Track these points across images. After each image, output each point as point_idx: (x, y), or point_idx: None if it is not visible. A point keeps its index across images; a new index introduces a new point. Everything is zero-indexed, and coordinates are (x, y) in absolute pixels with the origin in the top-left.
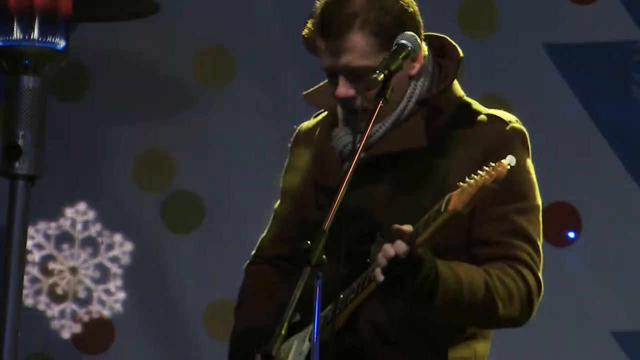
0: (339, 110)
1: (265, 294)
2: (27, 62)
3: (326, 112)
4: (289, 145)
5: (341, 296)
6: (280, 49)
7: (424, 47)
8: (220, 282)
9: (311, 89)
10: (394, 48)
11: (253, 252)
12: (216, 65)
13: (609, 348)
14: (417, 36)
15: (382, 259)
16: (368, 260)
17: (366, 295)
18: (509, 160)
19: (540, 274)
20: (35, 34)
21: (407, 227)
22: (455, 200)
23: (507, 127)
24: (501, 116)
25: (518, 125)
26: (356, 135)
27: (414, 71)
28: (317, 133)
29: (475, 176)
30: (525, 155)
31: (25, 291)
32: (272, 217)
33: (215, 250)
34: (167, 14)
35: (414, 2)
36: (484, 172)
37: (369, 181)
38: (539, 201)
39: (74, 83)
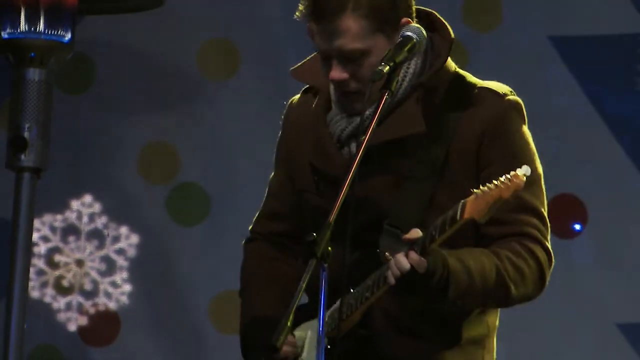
0: (332, 91)
1: (270, 275)
2: (32, 54)
3: (315, 90)
4: (282, 119)
5: (352, 290)
6: (285, 41)
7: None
8: (225, 274)
9: (298, 65)
10: (399, 40)
11: (250, 227)
12: (221, 58)
13: (614, 340)
14: (422, 28)
15: (395, 270)
16: (378, 250)
17: (382, 293)
18: (524, 171)
19: (549, 245)
20: (41, 27)
21: (417, 233)
22: (471, 208)
23: (503, 101)
24: (496, 88)
25: (513, 96)
26: (351, 118)
27: None
28: (311, 115)
29: (489, 185)
30: (522, 125)
31: (31, 283)
32: (267, 190)
33: (220, 242)
34: (172, 6)
35: None
36: (500, 182)
37: (371, 170)
38: (540, 169)
39: (79, 76)
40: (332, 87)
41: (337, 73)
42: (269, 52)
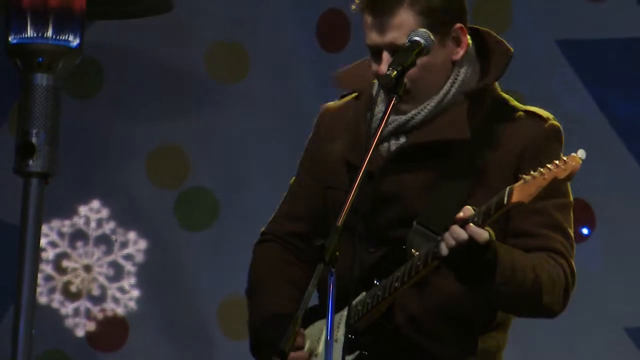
0: (376, 88)
1: (286, 276)
2: (40, 59)
3: (354, 95)
4: (314, 123)
5: (376, 282)
6: (295, 44)
7: (468, 36)
8: (234, 279)
9: (342, 70)
10: (406, 45)
11: (262, 229)
12: (230, 62)
13: (623, 344)
14: (430, 33)
15: (451, 240)
16: (404, 247)
17: (412, 283)
18: (581, 154)
19: (574, 266)
20: (49, 32)
21: (469, 211)
22: (519, 193)
23: (546, 125)
24: (539, 113)
25: (555, 122)
26: (394, 115)
27: (457, 56)
28: (350, 115)
29: (541, 169)
30: (560, 152)
31: (39, 289)
32: (287, 194)
33: (229, 247)
34: (180, 10)
35: None
36: (554, 164)
37: (407, 168)
38: (572, 198)
39: (88, 80)
40: (377, 83)
41: (384, 68)
42: (278, 55)
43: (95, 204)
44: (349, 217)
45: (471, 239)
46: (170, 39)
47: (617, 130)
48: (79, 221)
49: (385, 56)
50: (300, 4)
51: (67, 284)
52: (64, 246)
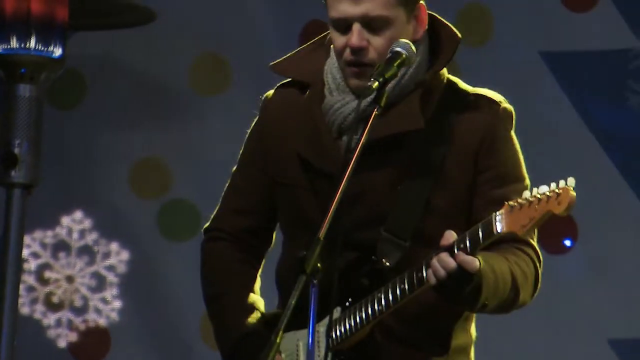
0: (329, 80)
1: (239, 282)
2: (23, 70)
3: (295, 84)
4: (257, 114)
5: (352, 303)
6: (277, 56)
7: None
8: None
9: (279, 60)
10: (388, 55)
11: (206, 225)
12: (212, 73)
13: (606, 356)
14: (411, 43)
15: (441, 270)
16: (373, 257)
17: (403, 303)
18: (571, 183)
19: (538, 249)
20: (32, 43)
21: (452, 237)
22: (510, 221)
23: (500, 108)
24: (491, 96)
25: (507, 104)
26: (354, 104)
27: (418, 35)
28: (301, 107)
29: (529, 197)
30: (514, 135)
31: (21, 300)
32: (229, 187)
33: None
34: (163, 22)
35: None
36: (544, 195)
37: (369, 166)
38: (527, 181)
39: (70, 91)
40: (329, 75)
41: (358, 40)
42: (260, 66)
43: (78, 214)
44: (310, 223)
45: (460, 268)
46: (153, 50)
47: (599, 141)
48: (62, 232)
49: (356, 27)
50: (283, 15)
51: (49, 294)
52: (46, 257)
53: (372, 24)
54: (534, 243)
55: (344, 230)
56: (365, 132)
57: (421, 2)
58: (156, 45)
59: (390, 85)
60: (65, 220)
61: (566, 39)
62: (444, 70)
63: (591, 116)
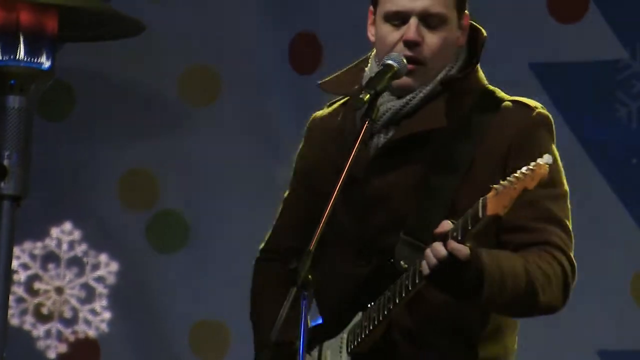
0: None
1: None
2: (12, 82)
3: (343, 100)
4: (303, 133)
5: (370, 305)
6: (266, 68)
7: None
8: (205, 302)
9: (327, 78)
10: (380, 69)
11: (261, 245)
12: (201, 85)
13: None
14: (402, 56)
15: (432, 259)
16: (391, 260)
17: (407, 300)
18: (546, 159)
19: (573, 257)
20: (21, 54)
21: (448, 225)
22: (494, 204)
23: (534, 113)
24: (526, 102)
25: (544, 111)
26: (391, 103)
27: (460, 42)
28: (339, 120)
29: (510, 178)
30: (551, 141)
31: (10, 311)
32: (281, 207)
33: (200, 270)
34: (152, 33)
35: None
36: (522, 174)
37: (392, 168)
38: (567, 187)
39: (59, 103)
40: (366, 79)
41: (415, 34)
42: (249, 77)
43: (67, 226)
44: (336, 228)
45: (451, 256)
46: (142, 62)
47: (588, 152)
48: (51, 243)
49: (414, 21)
50: (272, 26)
51: (38, 306)
52: (35, 268)
53: (430, 21)
54: (568, 250)
55: (365, 238)
56: (357, 143)
57: (466, 12)
58: (145, 56)
59: (436, 80)
60: (55, 231)
61: (555, 50)
62: (482, 80)
63: (580, 127)
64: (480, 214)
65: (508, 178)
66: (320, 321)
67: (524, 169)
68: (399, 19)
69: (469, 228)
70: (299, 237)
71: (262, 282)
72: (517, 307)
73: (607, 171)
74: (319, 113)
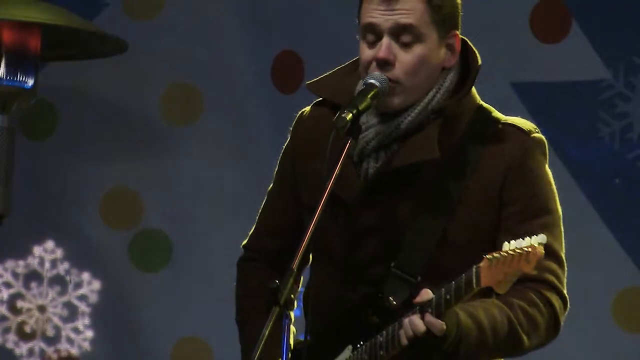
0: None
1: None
2: None
3: (326, 106)
4: (289, 131)
5: (360, 345)
6: (249, 85)
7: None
8: (187, 320)
9: (315, 79)
10: (362, 88)
11: (244, 243)
12: (184, 104)
13: None
14: (385, 76)
15: (409, 332)
16: (380, 295)
17: (396, 353)
18: (541, 239)
19: (565, 290)
20: (3, 73)
21: (428, 295)
22: (487, 276)
23: (529, 138)
24: (521, 126)
25: (538, 135)
26: (380, 127)
27: (449, 64)
28: (329, 130)
29: (503, 252)
30: (545, 165)
31: None
32: (265, 204)
33: (182, 288)
34: (135, 52)
35: None
36: (517, 253)
37: (385, 198)
38: (560, 211)
39: (42, 121)
40: (360, 85)
41: (387, 52)
42: (232, 97)
43: (50, 244)
44: (325, 250)
45: (429, 331)
46: (125, 81)
47: (570, 172)
48: (34, 262)
49: (386, 40)
50: (255, 45)
51: (21, 324)
52: (18, 286)
53: (402, 37)
54: (560, 286)
55: (354, 266)
56: (339, 165)
57: (455, 31)
58: (128, 75)
59: (425, 101)
60: (37, 250)
61: (537, 70)
62: (475, 98)
63: (563, 147)
64: (474, 283)
65: (501, 252)
66: (302, 337)
67: (517, 248)
68: (372, 33)
69: (462, 295)
70: (280, 239)
71: (245, 286)
72: (502, 354)
73: (590, 191)
74: (306, 110)
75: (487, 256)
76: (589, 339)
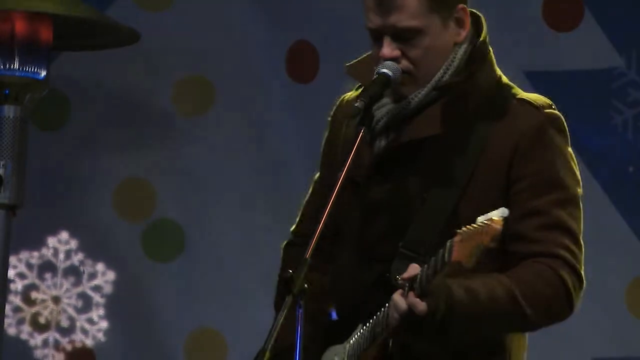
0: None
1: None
2: (7, 91)
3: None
4: (329, 116)
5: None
6: (263, 75)
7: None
8: (201, 311)
9: (354, 61)
10: (374, 77)
11: (292, 227)
12: (196, 94)
13: None
14: (397, 64)
15: (393, 312)
16: (388, 274)
17: (392, 330)
18: (501, 213)
19: (581, 267)
20: (16, 64)
21: (415, 270)
22: (458, 250)
23: (540, 113)
24: (534, 101)
25: (551, 110)
26: (389, 106)
27: (460, 38)
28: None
29: (469, 226)
30: (562, 142)
31: (7, 320)
32: (310, 189)
33: (196, 279)
34: (147, 42)
35: None
36: (479, 227)
37: (394, 175)
38: (580, 190)
39: (54, 112)
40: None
41: (389, 50)
42: (245, 87)
43: (64, 235)
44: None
45: (410, 310)
46: (137, 71)
47: (584, 161)
48: (48, 253)
49: (386, 40)
50: (268, 36)
51: (35, 315)
52: (32, 277)
53: (403, 35)
54: (573, 260)
55: (368, 243)
56: (352, 153)
57: (461, 5)
58: (140, 66)
59: (434, 80)
60: (51, 241)
61: (550, 58)
62: (493, 73)
63: (576, 135)
64: (446, 258)
65: (468, 226)
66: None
67: (479, 223)
68: (375, 35)
69: (438, 270)
70: (328, 225)
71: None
72: (504, 327)
73: (604, 179)
74: (347, 95)
75: (459, 230)
76: (602, 326)
